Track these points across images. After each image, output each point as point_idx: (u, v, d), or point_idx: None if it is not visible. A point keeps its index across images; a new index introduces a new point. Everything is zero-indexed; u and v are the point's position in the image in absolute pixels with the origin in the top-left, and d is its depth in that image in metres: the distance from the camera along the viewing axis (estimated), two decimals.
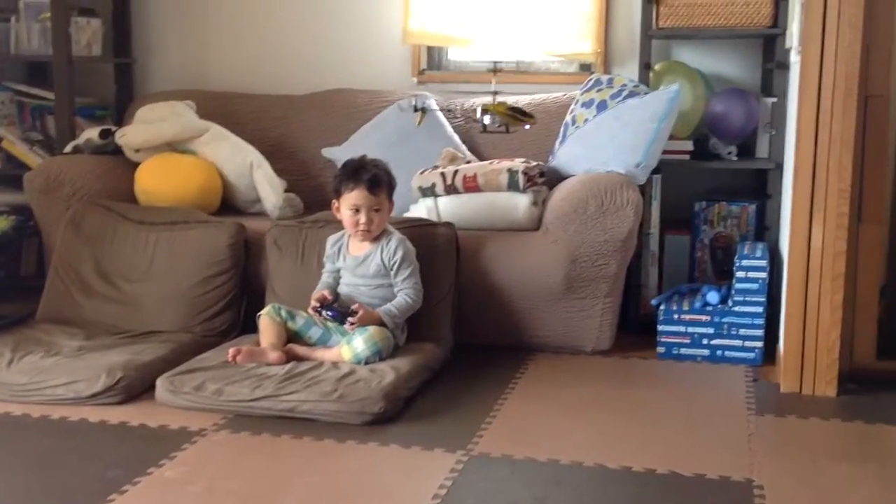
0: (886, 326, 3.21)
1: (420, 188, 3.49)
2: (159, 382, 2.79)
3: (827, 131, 2.84)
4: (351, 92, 4.12)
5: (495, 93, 3.36)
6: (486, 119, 2.83)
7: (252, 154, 3.81)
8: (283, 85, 4.25)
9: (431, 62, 4.28)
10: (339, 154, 3.84)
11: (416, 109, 3.43)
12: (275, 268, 3.32)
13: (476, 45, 4.10)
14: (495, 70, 3.47)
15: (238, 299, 3.35)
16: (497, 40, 4.06)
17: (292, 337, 3.05)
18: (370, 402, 2.62)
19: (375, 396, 2.64)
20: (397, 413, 2.70)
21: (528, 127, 2.82)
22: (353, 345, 2.90)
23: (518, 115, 2.87)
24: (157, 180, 3.71)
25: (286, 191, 3.82)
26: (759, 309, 3.25)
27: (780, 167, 3.51)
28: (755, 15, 3.49)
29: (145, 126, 3.83)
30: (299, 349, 2.99)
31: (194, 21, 4.41)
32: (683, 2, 3.53)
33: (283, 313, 3.06)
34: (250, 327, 3.19)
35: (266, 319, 3.04)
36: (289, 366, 2.86)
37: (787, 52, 3.29)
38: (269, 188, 3.74)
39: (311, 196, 3.90)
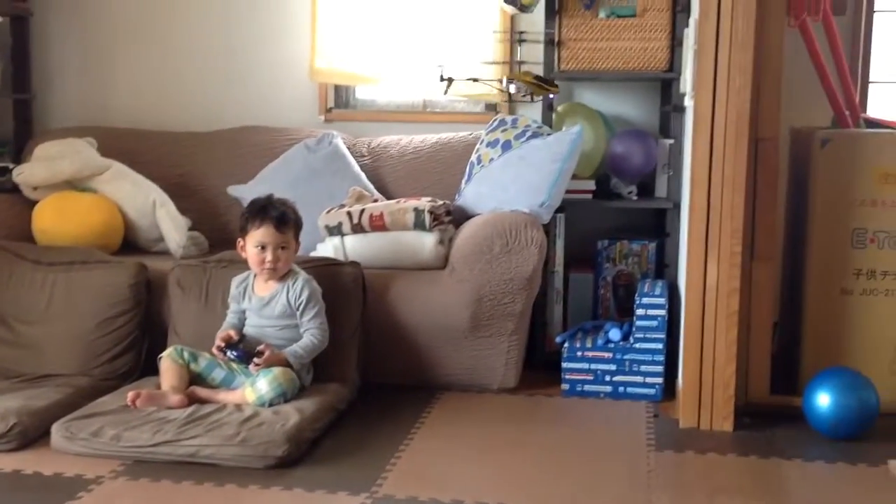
0: (779, 362, 3.32)
1: (327, 227, 3.49)
2: (55, 428, 2.71)
3: (720, 173, 2.94)
4: (257, 130, 4.11)
5: (521, 63, 3.35)
6: (512, 87, 2.83)
7: (155, 192, 3.76)
8: (187, 122, 4.21)
9: (339, 101, 4.30)
10: (246, 192, 3.82)
11: (442, 79, 3.42)
12: (177, 309, 3.26)
13: (383, 83, 4.14)
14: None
15: (139, 341, 3.28)
16: (404, 79, 4.11)
17: (195, 379, 2.99)
18: (273, 445, 2.59)
19: (279, 440, 2.60)
20: (302, 456, 2.67)
21: (552, 96, 2.82)
22: (257, 387, 2.86)
23: (543, 84, 2.89)
24: (55, 219, 3.63)
25: (190, 229, 3.78)
26: (659, 346, 3.32)
27: (677, 206, 3.61)
28: (652, 60, 3.61)
29: (44, 163, 3.75)
30: (202, 392, 2.94)
31: (96, 56, 4.35)
32: (584, 46, 3.62)
33: (186, 355, 3.00)
34: (151, 369, 3.11)
35: (167, 361, 2.99)
36: (191, 409, 2.81)
37: (683, 95, 3.41)
38: (172, 227, 3.69)
39: (217, 235, 3.87)
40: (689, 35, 3.15)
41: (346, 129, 4.13)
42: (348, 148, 3.95)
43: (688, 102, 3.17)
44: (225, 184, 3.93)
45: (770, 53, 3.09)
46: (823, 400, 2.91)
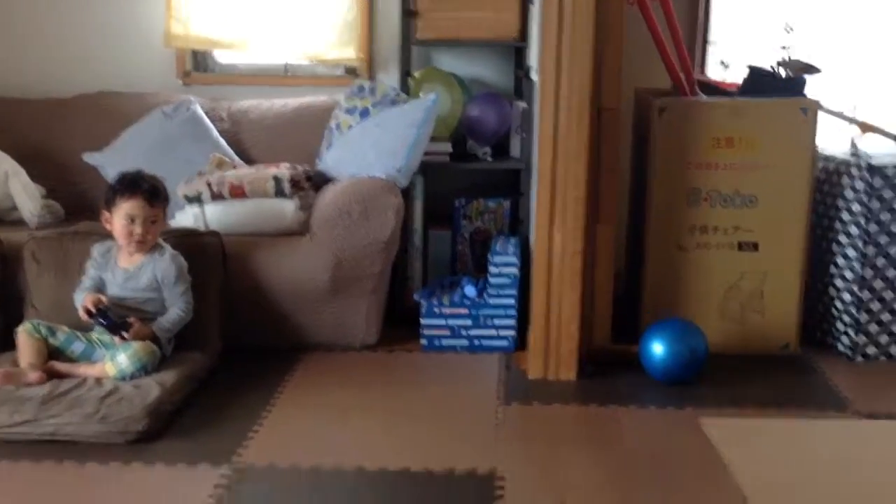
0: (624, 310, 3.55)
1: (186, 196, 3.49)
2: None
3: (564, 144, 3.10)
4: (113, 95, 4.05)
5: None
6: None
7: (6, 161, 3.68)
8: (38, 87, 4.12)
9: (197, 64, 4.26)
10: (102, 160, 3.80)
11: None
12: (34, 282, 3.24)
13: (242, 47, 4.13)
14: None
15: None
16: (263, 44, 4.11)
17: (54, 353, 3.00)
18: (133, 420, 2.65)
19: (139, 415, 2.66)
20: (163, 428, 2.74)
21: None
22: (118, 361, 2.90)
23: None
24: None
25: (45, 197, 3.73)
26: (511, 301, 3.50)
27: (530, 167, 3.77)
28: (504, 29, 3.72)
29: None
30: (61, 366, 2.95)
31: None
32: (439, 16, 3.72)
33: (43, 329, 3.01)
34: (8, 345, 3.09)
35: (24, 336, 2.99)
36: (49, 385, 2.82)
37: (531, 68, 3.53)
38: (25, 197, 3.64)
39: (73, 202, 3.83)
40: (535, 12, 3.27)
41: (205, 94, 4.12)
42: (207, 113, 3.95)
43: (534, 76, 3.29)
44: (80, 151, 3.86)
45: (611, 28, 3.23)
46: (657, 349, 3.15)
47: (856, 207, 3.35)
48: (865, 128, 3.69)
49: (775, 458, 2.54)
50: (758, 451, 2.56)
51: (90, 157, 3.83)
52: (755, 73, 3.57)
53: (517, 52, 3.98)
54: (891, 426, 2.75)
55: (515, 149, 3.91)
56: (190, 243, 3.26)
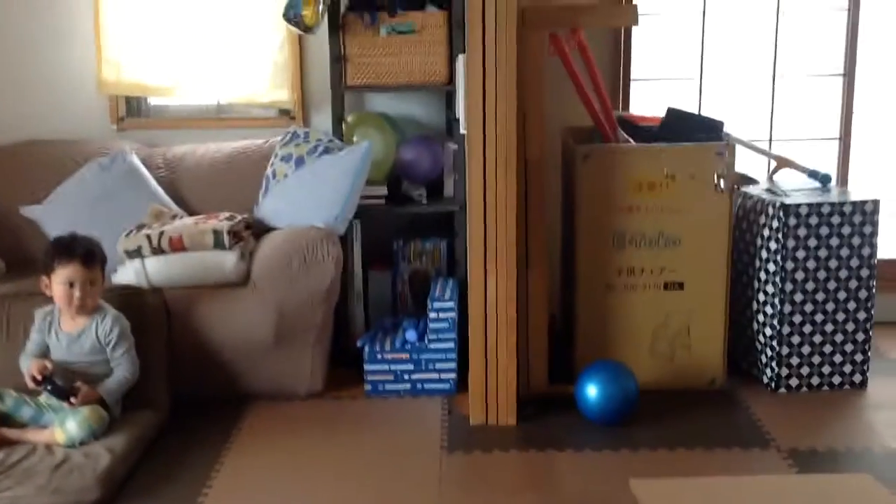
0: (560, 349, 3.70)
1: (126, 251, 3.53)
2: None
3: (493, 194, 3.22)
4: (47, 143, 4.07)
5: None
6: None
7: None
8: None
9: (131, 109, 4.28)
10: (40, 213, 3.81)
11: None
12: None
13: (175, 92, 4.16)
14: None
15: None
16: (196, 87, 4.15)
17: (2, 418, 3.04)
18: (86, 491, 2.69)
19: (91, 485, 2.71)
20: (116, 492, 2.80)
21: None
22: (67, 427, 2.94)
23: None
24: None
25: None
26: (451, 345, 3.62)
27: (464, 208, 3.87)
28: (433, 73, 3.81)
29: None
30: (10, 433, 2.99)
31: None
32: (368, 62, 3.79)
33: None
34: None
35: None
36: (0, 454, 2.87)
37: (458, 120, 3.64)
38: None
39: (12, 256, 3.83)
40: (460, 68, 3.38)
41: (139, 138, 4.15)
42: (143, 160, 3.98)
43: (462, 130, 3.40)
44: (15, 203, 3.86)
45: (532, 81, 3.36)
46: (591, 391, 3.30)
47: (773, 245, 3.53)
48: (781, 162, 3.89)
49: None
50: None
51: (28, 211, 3.84)
52: (674, 114, 3.73)
53: (447, 95, 4.08)
54: (810, 480, 2.87)
55: (449, 189, 4.01)
56: (133, 303, 3.31)
